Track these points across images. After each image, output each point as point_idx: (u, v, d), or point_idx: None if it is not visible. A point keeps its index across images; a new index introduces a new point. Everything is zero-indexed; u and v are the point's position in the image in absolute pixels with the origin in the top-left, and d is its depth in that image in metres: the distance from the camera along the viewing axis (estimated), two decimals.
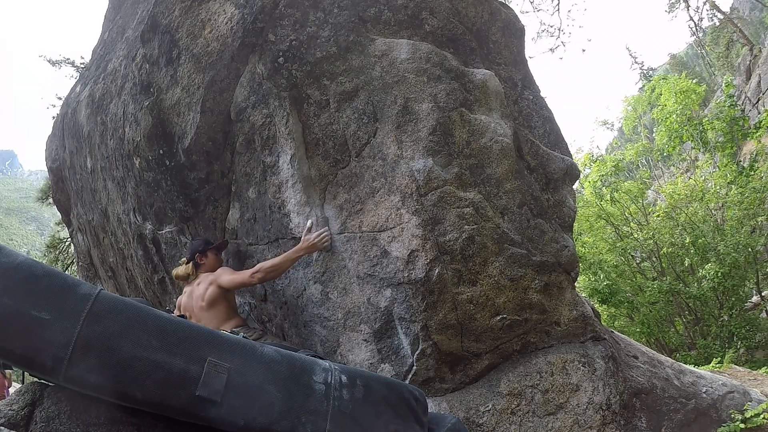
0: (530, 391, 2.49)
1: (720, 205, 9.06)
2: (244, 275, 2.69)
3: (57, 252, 11.99)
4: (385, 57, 2.59)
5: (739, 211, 8.34)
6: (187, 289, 2.96)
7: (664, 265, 8.84)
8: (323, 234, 2.57)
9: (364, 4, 2.73)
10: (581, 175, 9.64)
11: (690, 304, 8.17)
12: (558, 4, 14.01)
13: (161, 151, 3.09)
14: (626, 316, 8.66)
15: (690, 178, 11.81)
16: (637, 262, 9.46)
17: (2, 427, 1.32)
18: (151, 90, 3.10)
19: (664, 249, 8.66)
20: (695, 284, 8.01)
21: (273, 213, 2.80)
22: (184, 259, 3.02)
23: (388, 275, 2.44)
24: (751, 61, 19.59)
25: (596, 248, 8.83)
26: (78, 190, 4.46)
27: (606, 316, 8.59)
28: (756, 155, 10.55)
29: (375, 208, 2.50)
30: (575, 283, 2.86)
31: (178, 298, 3.03)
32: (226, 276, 2.76)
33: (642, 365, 2.87)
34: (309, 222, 2.62)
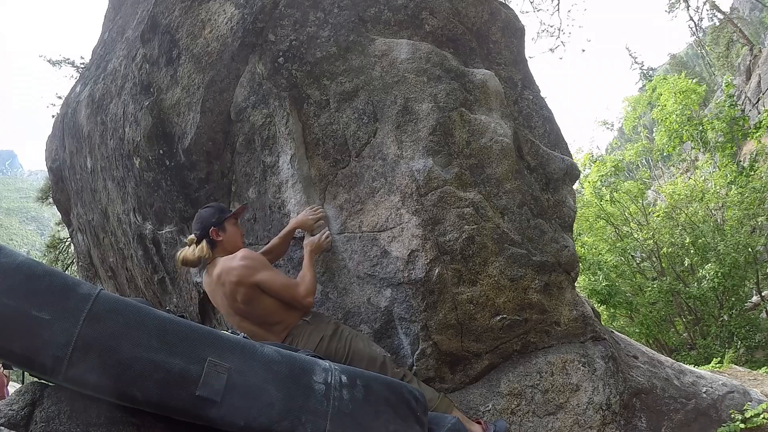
0: (530, 391, 2.49)
1: (720, 205, 9.06)
2: (296, 291, 2.22)
3: (57, 252, 12.00)
4: (385, 57, 2.59)
5: (739, 211, 8.34)
6: (206, 280, 2.39)
7: (664, 265, 8.84)
8: (326, 234, 2.55)
9: (364, 4, 2.73)
10: (581, 175, 9.65)
11: (690, 304, 8.18)
12: (558, 4, 14.02)
13: (161, 151, 3.09)
14: (626, 316, 8.67)
15: (690, 178, 11.82)
16: (637, 262, 9.46)
17: (2, 427, 1.32)
18: (151, 90, 3.10)
19: (664, 249, 8.66)
20: (695, 284, 8.02)
21: (273, 213, 2.80)
22: (192, 236, 2.37)
23: (388, 275, 2.44)
24: (751, 61, 19.59)
25: (596, 248, 8.83)
26: (78, 190, 4.45)
27: (606, 316, 8.60)
28: (756, 155, 10.56)
29: (375, 208, 2.50)
30: (575, 283, 2.86)
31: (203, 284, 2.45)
32: (265, 273, 2.19)
33: (642, 365, 2.87)
34: (306, 239, 2.53)
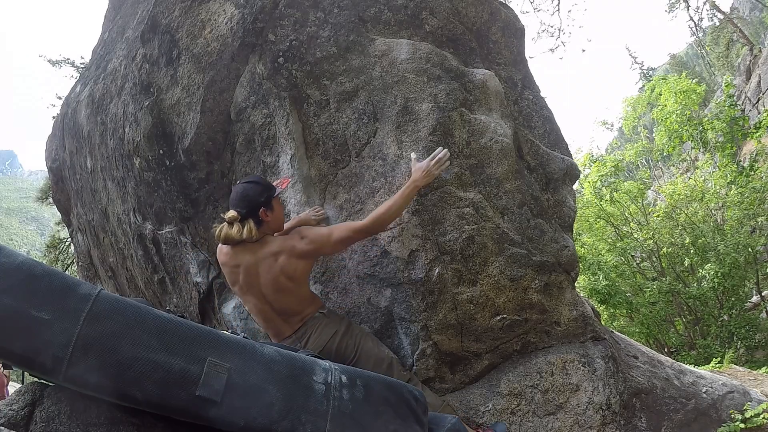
0: (530, 391, 2.49)
1: (720, 205, 9.07)
2: (349, 228, 2.16)
3: (57, 252, 11.98)
4: (385, 57, 2.59)
5: (739, 211, 8.35)
6: (245, 259, 2.17)
7: (664, 265, 8.85)
8: (441, 154, 2.26)
9: (364, 4, 2.73)
10: (581, 175, 9.65)
11: (690, 304, 8.18)
12: (558, 4, 14.03)
13: (161, 151, 3.09)
14: (626, 316, 8.67)
15: (690, 178, 11.81)
16: (637, 262, 9.47)
17: (2, 427, 1.32)
18: (151, 90, 3.10)
19: (664, 249, 8.67)
20: (695, 284, 8.02)
21: None
22: (233, 213, 2.16)
23: (388, 275, 2.44)
24: (751, 61, 19.60)
25: (596, 248, 8.84)
26: (78, 190, 4.45)
27: (606, 316, 8.60)
28: (756, 155, 10.56)
29: (375, 208, 2.50)
30: (575, 283, 2.86)
31: (228, 260, 2.23)
32: (338, 233, 2.17)
33: (642, 365, 2.87)
34: (414, 154, 2.34)
